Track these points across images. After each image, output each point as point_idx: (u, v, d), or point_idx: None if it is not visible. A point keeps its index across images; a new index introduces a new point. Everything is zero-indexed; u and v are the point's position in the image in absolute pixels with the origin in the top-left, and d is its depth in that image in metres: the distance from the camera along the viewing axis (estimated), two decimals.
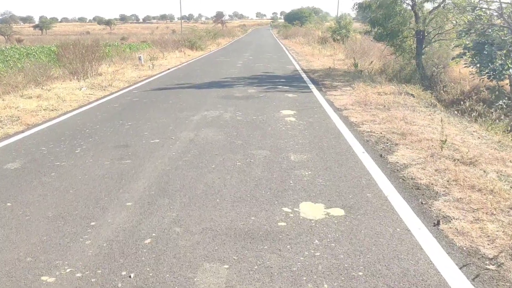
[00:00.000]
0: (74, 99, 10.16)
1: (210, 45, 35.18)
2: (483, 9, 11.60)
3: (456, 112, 10.19)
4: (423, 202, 4.03)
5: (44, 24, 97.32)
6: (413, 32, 15.13)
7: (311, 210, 3.83)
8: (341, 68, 16.98)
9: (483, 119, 8.96)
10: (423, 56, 15.39)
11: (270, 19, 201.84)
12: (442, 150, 5.49)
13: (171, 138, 6.47)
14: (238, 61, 20.54)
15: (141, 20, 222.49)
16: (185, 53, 25.66)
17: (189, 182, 4.57)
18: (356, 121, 7.62)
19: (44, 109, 8.87)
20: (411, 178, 4.67)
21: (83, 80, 13.36)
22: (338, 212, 3.81)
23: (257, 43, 40.62)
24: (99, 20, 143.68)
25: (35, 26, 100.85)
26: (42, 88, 11.39)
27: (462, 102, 11.97)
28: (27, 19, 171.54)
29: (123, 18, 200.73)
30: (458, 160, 5.18)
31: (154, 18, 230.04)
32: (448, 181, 4.50)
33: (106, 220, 3.67)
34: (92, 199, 4.15)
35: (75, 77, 13.87)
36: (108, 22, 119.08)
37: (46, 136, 6.76)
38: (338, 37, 33.01)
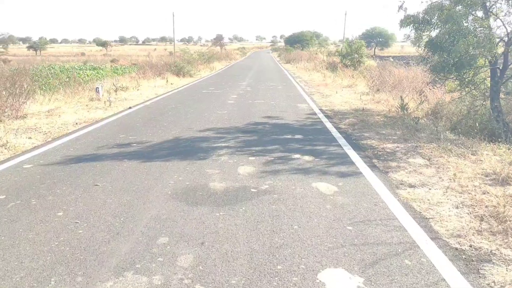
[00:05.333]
0: None
1: (202, 70, 30.24)
2: None
3: None
4: None
5: (38, 45, 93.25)
6: (488, 61, 10.07)
7: None
8: (375, 109, 11.88)
9: None
10: (502, 96, 10.32)
11: (270, 42, 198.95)
12: None
13: None
14: (232, 94, 15.45)
15: (140, 42, 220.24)
16: (167, 80, 20.63)
17: None
18: None
19: None
20: None
21: None
22: None
23: (257, 68, 35.74)
24: (98, 42, 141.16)
25: (29, 47, 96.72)
26: None
27: None
28: (26, 40, 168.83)
29: (122, 40, 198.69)
30: None
31: (153, 40, 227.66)
32: None
33: None
34: None
35: None
36: (104, 44, 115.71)
37: None
38: (349, 63, 28.32)
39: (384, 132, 8.64)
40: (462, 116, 10.93)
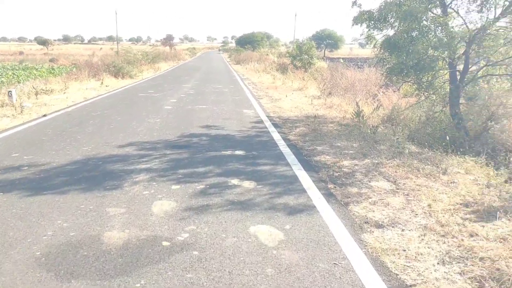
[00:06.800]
0: None
1: (146, 71, 28.25)
2: None
3: None
4: None
5: None
6: (447, 62, 9.19)
7: None
8: (328, 116, 10.75)
9: None
10: (463, 102, 9.49)
11: (221, 43, 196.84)
12: None
13: None
14: (172, 98, 13.85)
15: (86, 41, 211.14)
16: (102, 82, 18.66)
17: None
18: None
19: None
20: None
21: None
22: None
23: (206, 69, 34.07)
24: (39, 40, 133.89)
25: None
26: None
27: None
28: None
29: (67, 39, 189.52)
30: None
31: (100, 39, 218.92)
32: None
33: None
34: None
35: None
36: (44, 42, 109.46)
37: None
38: (299, 64, 27.49)
39: (339, 144, 7.45)
40: (421, 124, 10.02)
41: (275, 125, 9.38)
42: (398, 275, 3.16)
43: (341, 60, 26.54)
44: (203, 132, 8.46)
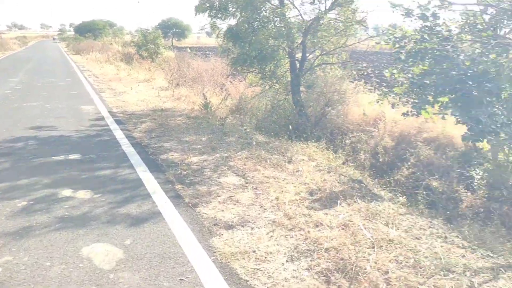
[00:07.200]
0: None
1: None
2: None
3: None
4: None
5: None
6: (287, 52, 9.59)
7: None
8: (177, 108, 10.36)
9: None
10: (303, 90, 10.05)
11: (58, 31, 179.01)
12: None
13: None
14: None
15: None
16: None
17: None
18: None
19: None
20: None
21: None
22: None
23: (38, 60, 30.36)
24: None
25: None
26: None
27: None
28: None
29: None
30: None
31: None
32: None
33: None
34: None
35: None
36: None
37: None
38: (146, 54, 26.48)
39: (187, 139, 7.14)
40: (267, 112, 10.32)
41: (118, 121, 8.63)
42: (248, 281, 2.98)
43: (188, 50, 26.28)
44: (31, 134, 7.31)
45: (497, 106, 5.81)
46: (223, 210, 4.20)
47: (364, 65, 21.95)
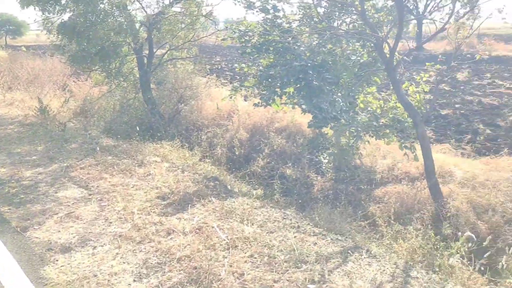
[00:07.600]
0: None
1: None
2: None
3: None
4: None
5: None
6: (132, 48, 9.01)
7: None
8: (8, 115, 9.01)
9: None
10: (154, 87, 9.60)
11: None
12: None
13: None
14: None
15: None
16: None
17: None
18: None
19: None
20: None
21: None
22: None
23: None
24: None
25: None
26: None
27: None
28: None
29: None
30: None
31: None
32: None
33: None
34: None
35: None
36: None
37: None
38: None
39: (19, 150, 6.16)
40: (116, 113, 9.58)
41: None
42: None
43: (23, 48, 23.37)
44: None
45: (337, 93, 6.21)
46: (59, 231, 3.62)
47: (217, 59, 22.26)
